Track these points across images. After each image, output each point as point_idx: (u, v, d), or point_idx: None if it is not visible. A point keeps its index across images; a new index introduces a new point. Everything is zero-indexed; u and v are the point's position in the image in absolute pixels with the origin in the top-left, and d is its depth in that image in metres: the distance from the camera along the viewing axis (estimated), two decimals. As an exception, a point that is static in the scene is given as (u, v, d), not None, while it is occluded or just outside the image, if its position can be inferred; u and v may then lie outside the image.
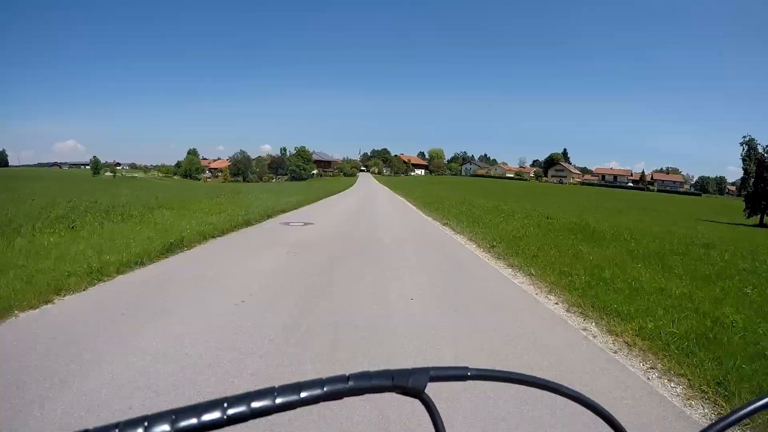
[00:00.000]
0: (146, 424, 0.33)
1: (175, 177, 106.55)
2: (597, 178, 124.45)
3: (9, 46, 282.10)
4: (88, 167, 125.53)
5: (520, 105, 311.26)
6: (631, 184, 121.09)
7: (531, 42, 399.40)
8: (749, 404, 0.51)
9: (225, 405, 0.36)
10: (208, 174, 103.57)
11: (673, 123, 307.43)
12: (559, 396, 0.53)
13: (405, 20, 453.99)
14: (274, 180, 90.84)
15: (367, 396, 0.44)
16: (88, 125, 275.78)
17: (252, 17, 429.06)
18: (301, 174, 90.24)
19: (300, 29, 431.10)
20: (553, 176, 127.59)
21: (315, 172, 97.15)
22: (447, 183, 75.19)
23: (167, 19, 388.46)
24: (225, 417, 0.36)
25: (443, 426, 0.49)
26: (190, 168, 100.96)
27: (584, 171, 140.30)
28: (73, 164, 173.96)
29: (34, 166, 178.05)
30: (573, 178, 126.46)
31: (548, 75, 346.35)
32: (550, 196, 56.52)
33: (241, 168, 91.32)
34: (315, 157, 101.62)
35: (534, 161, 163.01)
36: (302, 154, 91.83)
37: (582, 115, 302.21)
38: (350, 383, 0.42)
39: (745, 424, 2.71)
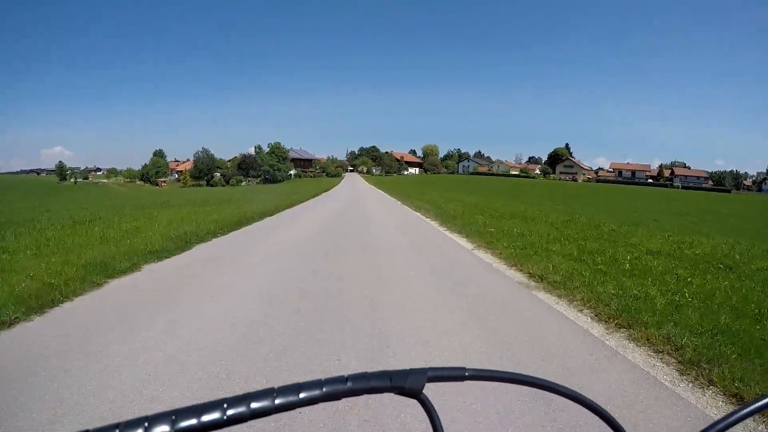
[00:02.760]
0: (146, 424, 0.32)
1: (138, 182, 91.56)
2: (613, 174, 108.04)
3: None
4: (70, 173, 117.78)
5: (511, 101, 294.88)
6: (650, 181, 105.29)
7: (523, 37, 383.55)
8: (749, 404, 0.50)
9: (225, 406, 0.36)
10: (172, 177, 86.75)
11: (656, 116, 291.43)
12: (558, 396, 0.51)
13: (393, 15, 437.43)
14: (243, 183, 73.94)
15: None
16: (76, 131, 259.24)
17: (239, 18, 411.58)
18: (276, 175, 73.37)
19: (289, 27, 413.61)
20: (561, 173, 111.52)
21: (293, 172, 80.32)
22: (456, 183, 59.32)
23: (157, 21, 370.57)
24: (225, 417, 0.35)
25: (441, 426, 0.48)
26: (148, 171, 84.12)
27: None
28: (51, 171, 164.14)
29: (18, 172, 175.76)
30: (584, 174, 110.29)
31: (537, 71, 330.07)
32: (592, 197, 41.28)
33: (203, 170, 74.28)
34: (293, 155, 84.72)
35: (530, 158, 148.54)
36: (277, 151, 74.91)
37: (571, 110, 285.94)
38: (349, 384, 0.41)
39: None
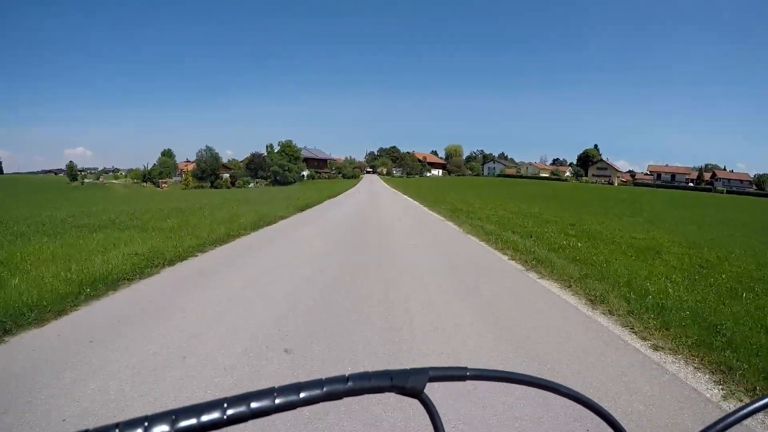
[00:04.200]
0: (146, 424, 0.31)
1: (143, 183, 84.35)
2: (651, 177, 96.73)
3: (29, 55, 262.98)
4: (81, 173, 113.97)
5: (532, 102, 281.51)
6: (691, 184, 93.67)
7: (544, 39, 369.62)
8: (749, 404, 0.49)
9: (225, 405, 0.34)
10: (176, 178, 78.50)
11: (673, 120, 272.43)
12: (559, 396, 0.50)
13: (410, 17, 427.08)
14: (251, 185, 65.21)
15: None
16: (99, 132, 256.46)
17: (256, 16, 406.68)
18: (286, 176, 64.40)
19: (308, 25, 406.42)
20: (594, 175, 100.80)
21: (305, 173, 71.30)
22: (494, 187, 50.21)
23: (175, 22, 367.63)
24: (225, 417, 0.34)
25: (442, 426, 0.46)
26: (151, 172, 76.34)
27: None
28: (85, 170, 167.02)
29: (38, 172, 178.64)
30: (618, 177, 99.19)
31: (557, 75, 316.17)
32: (665, 206, 32.02)
33: (207, 170, 65.67)
34: (305, 154, 75.64)
35: (554, 160, 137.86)
36: (287, 150, 65.93)
37: (590, 111, 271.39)
38: (349, 383, 0.40)
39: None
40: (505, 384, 0.51)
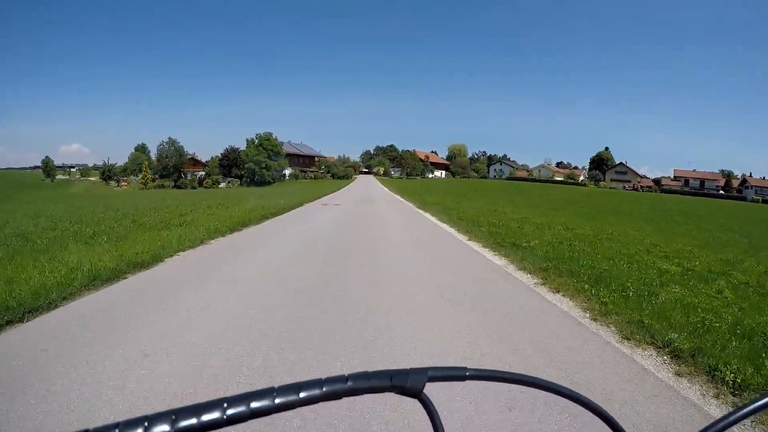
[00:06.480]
0: (146, 424, 0.31)
1: (111, 182, 73.30)
2: (678, 183, 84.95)
3: (21, 50, 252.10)
4: (73, 169, 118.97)
5: (536, 104, 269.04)
6: (722, 192, 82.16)
7: (547, 38, 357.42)
8: (749, 404, 0.47)
9: (225, 405, 0.34)
10: (139, 177, 66.95)
11: (658, 123, 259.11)
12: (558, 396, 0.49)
13: (406, 15, 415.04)
14: (222, 185, 53.46)
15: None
16: (97, 129, 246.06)
17: (253, 17, 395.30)
18: (264, 174, 52.56)
19: (305, 24, 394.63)
20: (613, 180, 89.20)
21: (288, 171, 59.38)
22: (523, 194, 39.13)
23: (173, 20, 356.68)
24: (225, 417, 0.33)
25: (442, 426, 0.45)
26: (110, 168, 64.79)
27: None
28: (58, 167, 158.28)
29: (32, 168, 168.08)
30: (638, 182, 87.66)
31: (556, 77, 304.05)
32: None
33: (168, 166, 53.90)
34: (289, 149, 63.51)
35: (558, 162, 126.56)
36: (266, 144, 54.06)
37: (594, 115, 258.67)
38: (349, 383, 0.39)
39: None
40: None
